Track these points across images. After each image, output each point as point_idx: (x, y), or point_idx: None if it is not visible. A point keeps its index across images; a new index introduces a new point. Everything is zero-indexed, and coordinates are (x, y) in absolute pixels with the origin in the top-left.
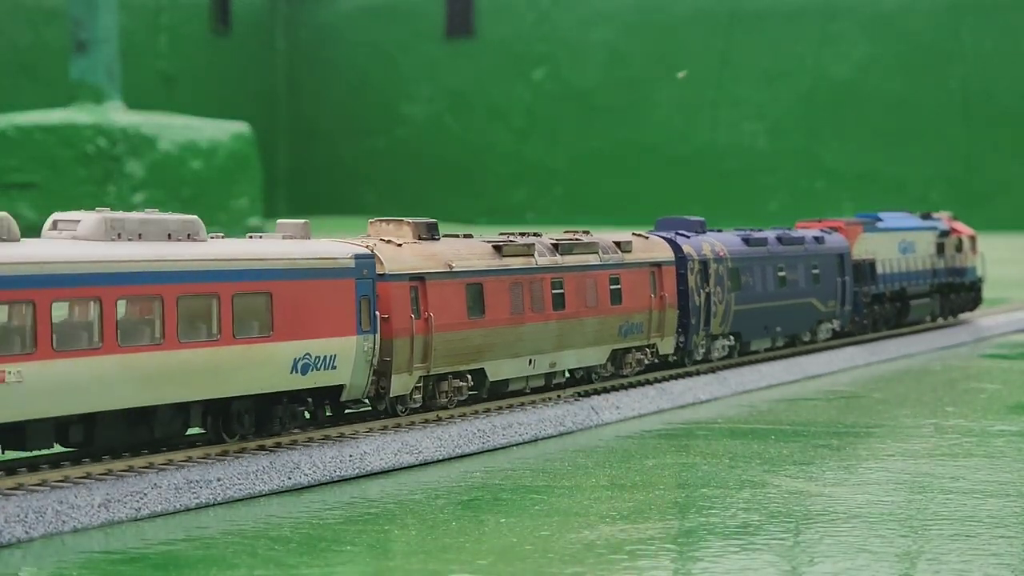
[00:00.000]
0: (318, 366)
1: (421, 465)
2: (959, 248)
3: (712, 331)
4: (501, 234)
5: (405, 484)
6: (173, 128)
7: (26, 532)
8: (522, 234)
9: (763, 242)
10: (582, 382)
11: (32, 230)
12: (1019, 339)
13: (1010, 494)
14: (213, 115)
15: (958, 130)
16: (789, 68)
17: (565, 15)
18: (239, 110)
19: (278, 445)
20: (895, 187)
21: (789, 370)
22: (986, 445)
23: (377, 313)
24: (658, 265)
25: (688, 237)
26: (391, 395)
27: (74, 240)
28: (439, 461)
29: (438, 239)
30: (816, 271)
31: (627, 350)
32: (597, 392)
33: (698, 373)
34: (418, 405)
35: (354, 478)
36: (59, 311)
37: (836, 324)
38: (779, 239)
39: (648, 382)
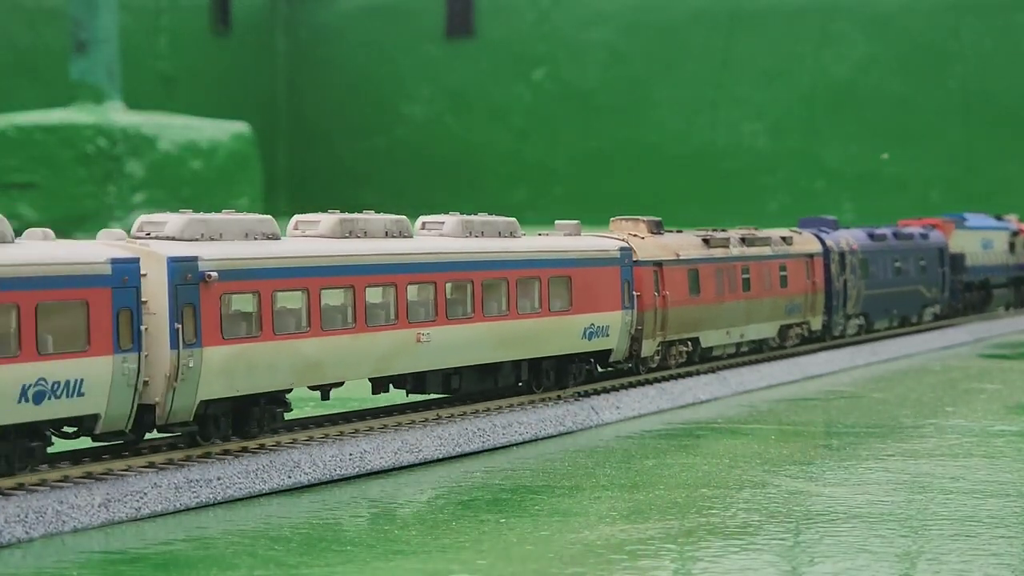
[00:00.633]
0: (599, 334)
1: (421, 464)
2: None
3: (848, 311)
4: (699, 231)
5: (405, 484)
6: (173, 128)
7: (26, 532)
8: (713, 231)
9: (883, 237)
10: (756, 351)
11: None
12: (1019, 339)
13: (1010, 494)
14: (213, 115)
15: (958, 130)
16: (789, 68)
17: (565, 15)
18: (239, 110)
19: (278, 444)
20: (895, 187)
21: (789, 370)
22: (986, 445)
23: (635, 293)
24: (811, 256)
25: (828, 233)
26: (641, 355)
27: (441, 236)
28: (439, 461)
29: (663, 234)
30: (923, 263)
31: (790, 326)
32: (597, 392)
33: (698, 373)
34: (655, 365)
35: (354, 477)
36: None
37: (937, 308)
38: (895, 235)
39: (648, 382)
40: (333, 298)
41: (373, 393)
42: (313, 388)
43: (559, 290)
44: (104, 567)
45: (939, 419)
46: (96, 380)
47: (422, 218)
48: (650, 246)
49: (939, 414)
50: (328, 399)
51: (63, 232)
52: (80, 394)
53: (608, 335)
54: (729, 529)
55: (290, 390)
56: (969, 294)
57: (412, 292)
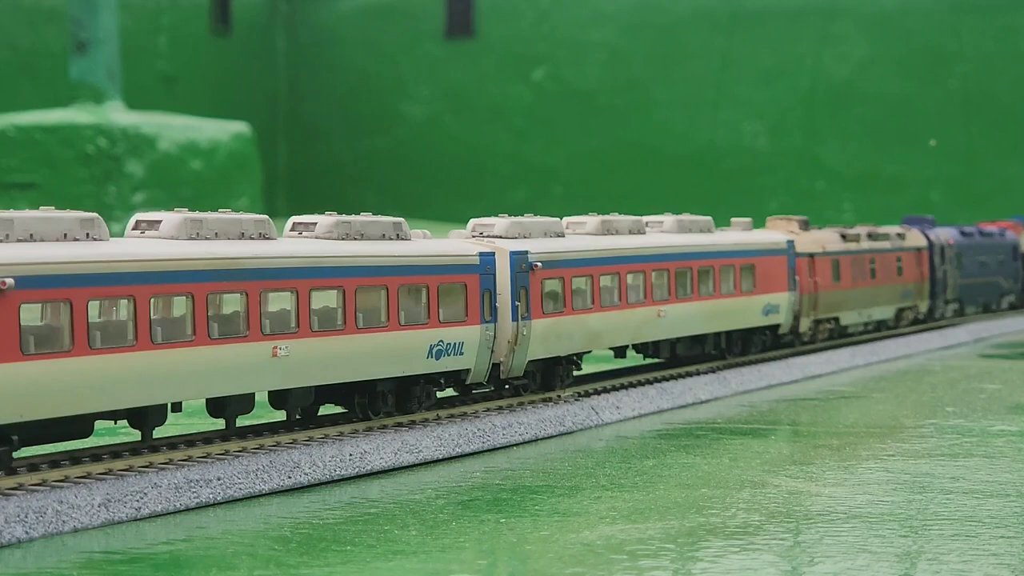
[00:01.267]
0: (773, 311)
1: (421, 465)
2: None
3: (947, 297)
4: (833, 228)
5: (405, 484)
6: (173, 128)
7: (26, 532)
8: (845, 228)
9: (972, 235)
10: (875, 331)
11: None
12: (1019, 339)
13: (1010, 494)
14: (213, 115)
15: (958, 130)
16: (789, 68)
17: (565, 15)
18: (239, 110)
19: (278, 444)
20: (895, 187)
21: (789, 370)
22: (986, 445)
23: (797, 278)
24: (919, 249)
25: (929, 230)
26: (799, 331)
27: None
28: (439, 461)
29: (809, 230)
30: (1001, 258)
31: (903, 309)
32: (597, 392)
33: (698, 373)
34: (807, 339)
35: (354, 477)
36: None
37: (1012, 297)
38: (980, 233)
39: (648, 382)
40: (607, 282)
41: (616, 357)
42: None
43: (747, 275)
44: (104, 567)
45: (939, 419)
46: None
47: (647, 218)
48: (804, 240)
49: (939, 414)
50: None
51: None
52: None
53: (779, 312)
54: (729, 529)
55: (582, 353)
56: None
57: (654, 277)
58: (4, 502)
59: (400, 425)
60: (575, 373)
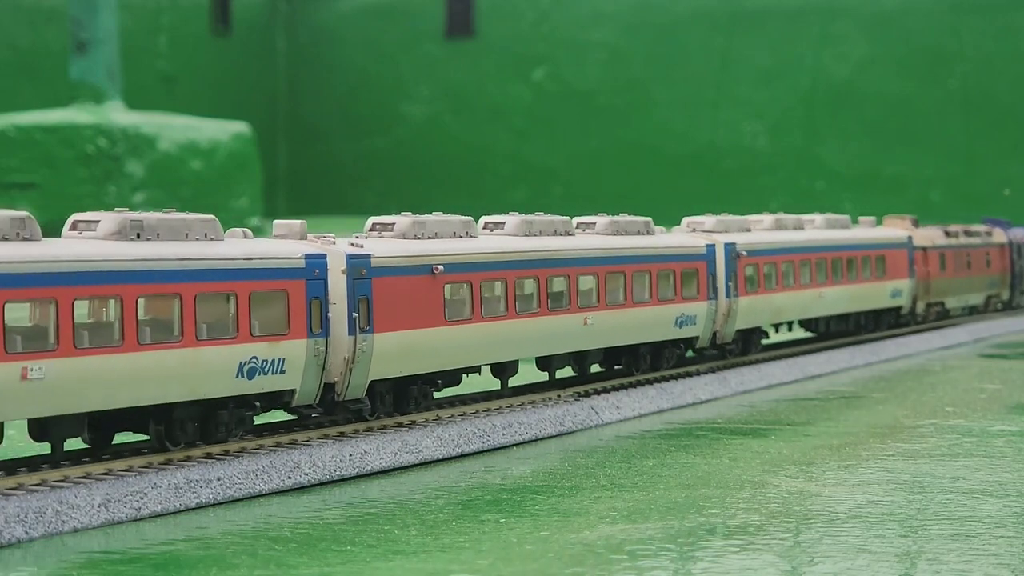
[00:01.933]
0: (898, 295)
1: (421, 465)
2: None
3: (1021, 288)
4: (938, 226)
5: (405, 484)
6: (173, 128)
7: (26, 532)
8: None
9: None
10: (968, 315)
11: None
12: (1019, 339)
13: (1010, 494)
14: (213, 115)
15: (958, 130)
16: (789, 68)
17: (565, 15)
18: (239, 110)
19: (278, 444)
20: (895, 187)
21: (789, 370)
22: (986, 445)
23: (915, 267)
24: (1001, 246)
25: (1007, 229)
26: (916, 313)
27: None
28: (439, 461)
29: (919, 227)
30: None
31: (990, 296)
32: (597, 392)
33: (698, 373)
34: (920, 320)
35: (354, 478)
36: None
37: None
38: None
39: (648, 382)
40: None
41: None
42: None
43: (880, 264)
44: (104, 567)
45: (939, 419)
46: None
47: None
48: (917, 236)
49: (939, 414)
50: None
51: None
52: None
53: (902, 296)
54: (729, 529)
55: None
56: None
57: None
58: (4, 502)
59: (400, 425)
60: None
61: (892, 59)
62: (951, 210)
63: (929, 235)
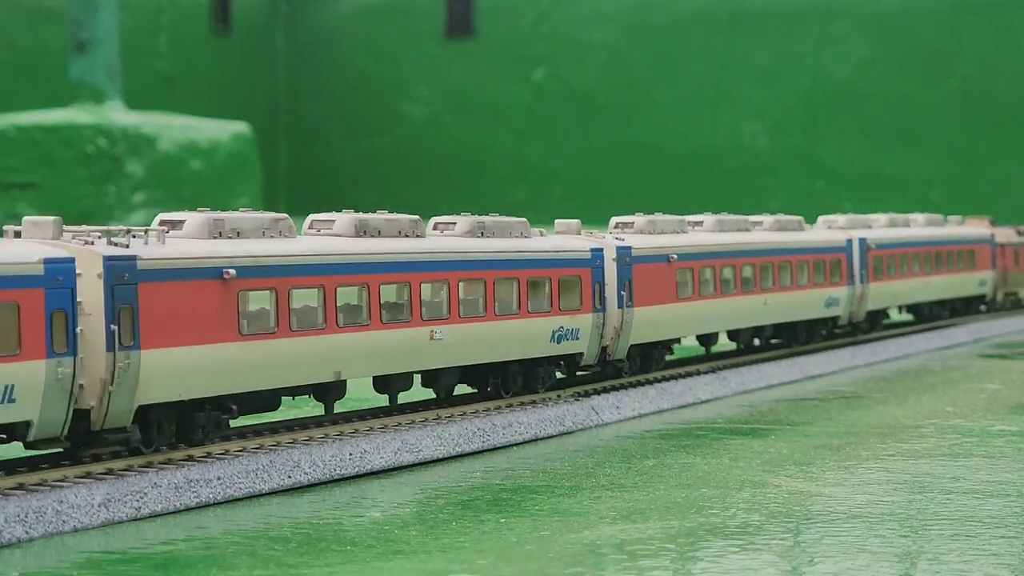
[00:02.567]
0: (984, 284)
1: (421, 464)
2: None
3: None
4: (1010, 226)
5: (405, 484)
6: (173, 128)
7: (26, 532)
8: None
9: None
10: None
11: None
12: (1019, 339)
13: (1010, 494)
14: (213, 115)
15: (958, 130)
16: (789, 68)
17: (565, 15)
18: (239, 110)
19: (278, 444)
20: (895, 187)
21: (789, 370)
22: (986, 445)
23: (996, 261)
24: None
25: None
26: (996, 300)
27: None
28: (439, 460)
29: (996, 226)
30: None
31: None
32: (597, 392)
33: (698, 373)
34: (998, 307)
35: (354, 477)
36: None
37: None
38: None
39: (648, 382)
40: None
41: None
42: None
43: (971, 257)
44: (104, 567)
45: (939, 419)
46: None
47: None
48: (998, 234)
49: (939, 414)
50: None
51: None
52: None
53: (987, 285)
54: (729, 529)
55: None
56: None
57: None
58: (4, 502)
59: (400, 425)
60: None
61: (892, 59)
62: (951, 210)
63: (1003, 234)
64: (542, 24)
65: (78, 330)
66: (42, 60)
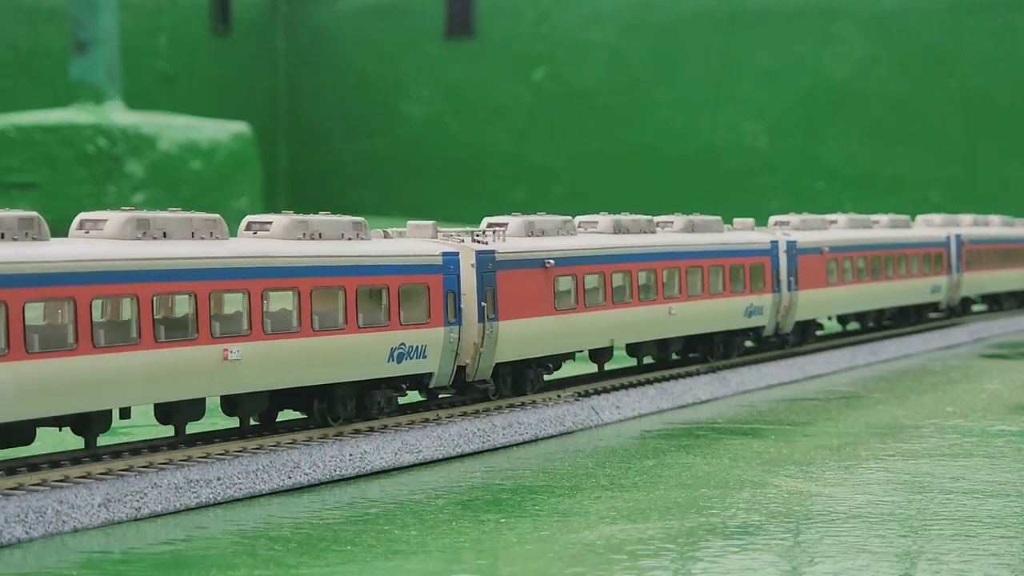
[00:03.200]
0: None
1: (421, 464)
2: None
3: None
4: None
5: (405, 484)
6: (173, 128)
7: (26, 532)
8: None
9: None
10: None
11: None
12: (1019, 339)
13: (1010, 494)
14: (213, 115)
15: (958, 130)
16: (789, 68)
17: (565, 15)
18: (239, 110)
19: (278, 444)
20: (895, 187)
21: (789, 370)
22: (986, 445)
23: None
24: None
25: None
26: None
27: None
28: (439, 461)
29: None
30: None
31: None
32: (597, 392)
33: (698, 373)
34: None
35: (354, 477)
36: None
37: None
38: None
39: (648, 382)
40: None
41: None
42: None
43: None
44: (104, 567)
45: (939, 419)
46: None
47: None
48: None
49: (939, 414)
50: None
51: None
52: None
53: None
54: (729, 529)
55: None
56: None
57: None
58: (4, 502)
59: (400, 425)
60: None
61: (892, 59)
62: (951, 210)
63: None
64: (542, 24)
65: (461, 306)
66: (42, 60)
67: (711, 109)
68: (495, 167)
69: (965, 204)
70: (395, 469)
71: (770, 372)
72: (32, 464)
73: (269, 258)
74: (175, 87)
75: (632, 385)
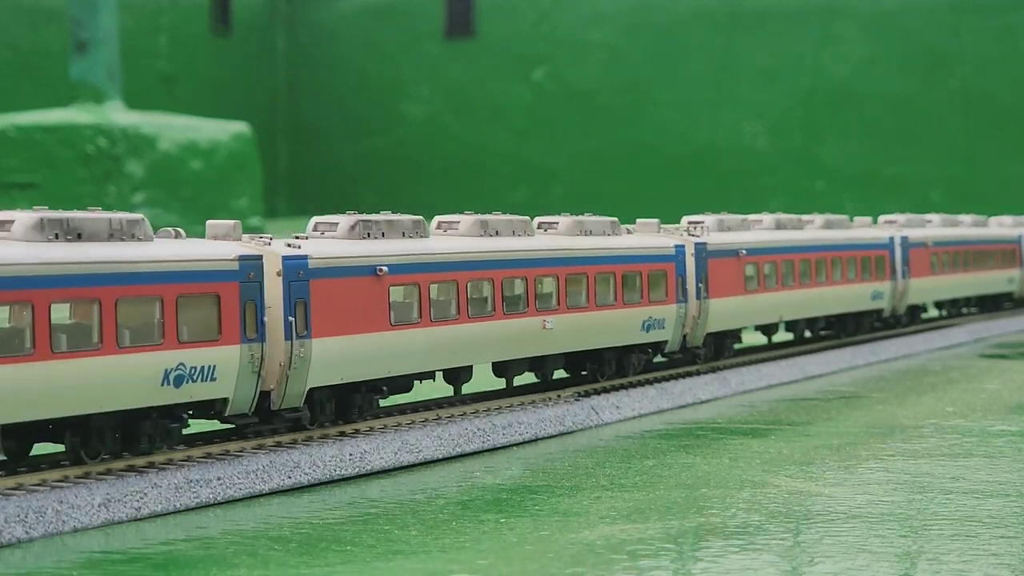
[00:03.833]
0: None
1: (421, 464)
2: None
3: None
4: None
5: (405, 484)
6: (173, 128)
7: (26, 532)
8: None
9: None
10: None
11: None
12: (1019, 339)
13: (1010, 494)
14: (213, 115)
15: (958, 130)
16: (789, 68)
17: (565, 15)
18: (239, 110)
19: (278, 444)
20: (895, 187)
21: (789, 370)
22: (986, 445)
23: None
24: None
25: None
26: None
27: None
28: (439, 460)
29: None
30: None
31: None
32: (597, 392)
33: (698, 373)
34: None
35: (354, 477)
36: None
37: None
38: None
39: (648, 382)
40: None
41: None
42: None
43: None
44: (104, 567)
45: (939, 419)
46: None
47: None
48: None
49: (939, 414)
50: None
51: None
52: None
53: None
54: (729, 529)
55: None
56: None
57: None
58: (4, 502)
59: (400, 425)
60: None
61: (892, 59)
62: (951, 210)
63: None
64: (542, 24)
65: (687, 286)
66: (42, 60)
67: (711, 109)
68: (495, 167)
69: (965, 204)
70: (395, 469)
71: (770, 372)
72: (32, 464)
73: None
74: (175, 87)
75: (632, 385)
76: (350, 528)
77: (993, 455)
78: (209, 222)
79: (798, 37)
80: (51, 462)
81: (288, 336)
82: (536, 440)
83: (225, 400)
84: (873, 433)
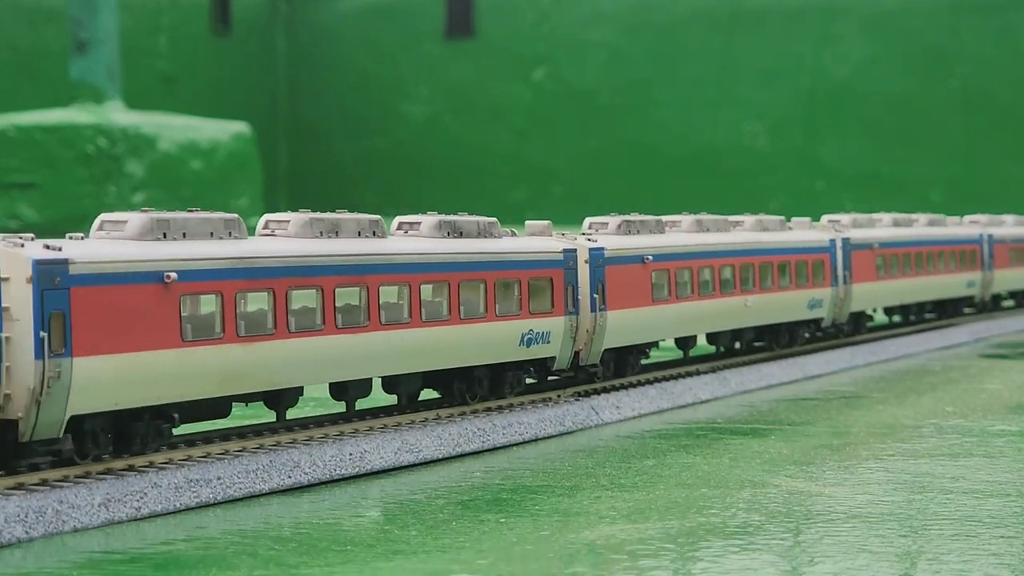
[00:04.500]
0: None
1: (421, 464)
2: None
3: None
4: None
5: (405, 484)
6: (173, 128)
7: (26, 532)
8: None
9: None
10: None
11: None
12: (1019, 339)
13: (1010, 494)
14: (213, 115)
15: (958, 130)
16: (789, 68)
17: (565, 15)
18: (239, 110)
19: (278, 444)
20: (895, 187)
21: (789, 370)
22: (986, 445)
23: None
24: None
25: None
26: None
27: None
28: (439, 460)
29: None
30: None
31: None
32: (597, 392)
33: (698, 373)
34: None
35: (354, 477)
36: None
37: None
38: None
39: (648, 382)
40: None
41: None
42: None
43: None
44: (104, 567)
45: (939, 419)
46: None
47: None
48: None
49: (939, 414)
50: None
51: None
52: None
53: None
54: (729, 529)
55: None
56: None
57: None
58: (4, 502)
59: (400, 425)
60: None
61: (892, 59)
62: (951, 210)
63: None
64: (542, 24)
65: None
66: (42, 60)
67: (711, 109)
68: (495, 167)
69: (965, 204)
70: (395, 469)
71: (770, 372)
72: (32, 464)
73: None
74: (175, 87)
75: (632, 385)
76: (350, 528)
77: (993, 455)
78: (528, 222)
79: (798, 37)
80: (51, 462)
81: (592, 309)
82: (536, 440)
83: (553, 358)
84: (873, 433)
